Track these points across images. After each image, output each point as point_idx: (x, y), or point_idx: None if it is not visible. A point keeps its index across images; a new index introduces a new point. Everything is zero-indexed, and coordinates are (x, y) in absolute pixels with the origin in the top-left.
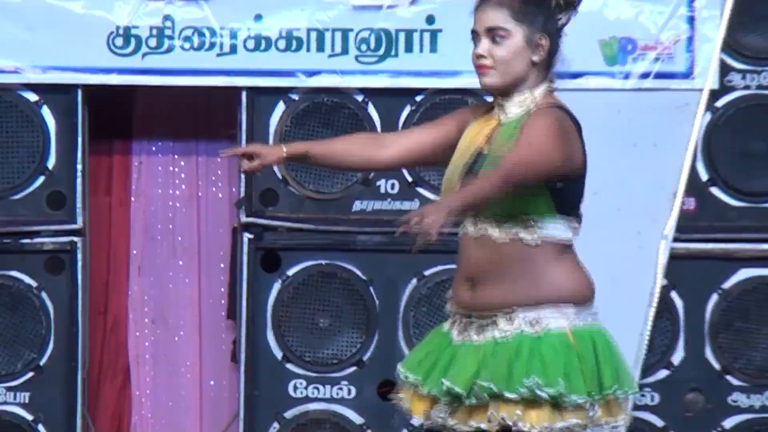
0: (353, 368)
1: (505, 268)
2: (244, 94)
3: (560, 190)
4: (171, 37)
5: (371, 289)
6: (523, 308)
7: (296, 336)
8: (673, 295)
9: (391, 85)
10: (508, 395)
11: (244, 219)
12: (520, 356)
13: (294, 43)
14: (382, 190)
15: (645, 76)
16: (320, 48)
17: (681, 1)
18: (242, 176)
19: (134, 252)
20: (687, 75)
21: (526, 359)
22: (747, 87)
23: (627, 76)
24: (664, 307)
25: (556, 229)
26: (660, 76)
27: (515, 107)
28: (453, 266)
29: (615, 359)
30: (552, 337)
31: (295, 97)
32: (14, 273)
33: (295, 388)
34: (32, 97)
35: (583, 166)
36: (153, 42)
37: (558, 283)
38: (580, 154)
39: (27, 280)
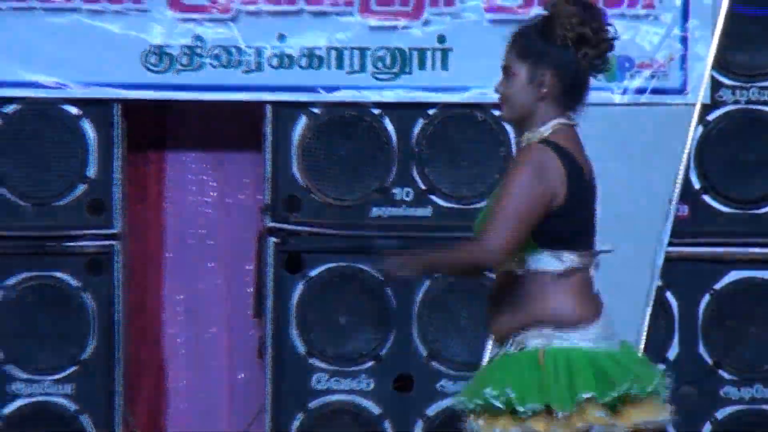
0: (371, 362)
1: (506, 297)
2: (268, 109)
3: (540, 228)
4: (201, 56)
5: (387, 289)
6: (515, 333)
7: (318, 333)
8: (668, 295)
9: (405, 99)
10: (470, 406)
11: (269, 224)
12: (488, 370)
13: (315, 61)
14: (398, 198)
15: (641, 91)
16: (339, 65)
17: (675, 22)
18: (267, 185)
19: (168, 255)
20: (680, 91)
21: (488, 373)
22: (737, 102)
23: (625, 92)
24: (660, 306)
25: (540, 261)
26: (655, 91)
27: (525, 141)
28: None
29: (596, 372)
30: (522, 354)
31: (316, 111)
32: (58, 274)
33: (318, 381)
34: (74, 110)
35: (568, 197)
36: (185, 60)
37: (541, 308)
38: (562, 186)
39: (70, 280)
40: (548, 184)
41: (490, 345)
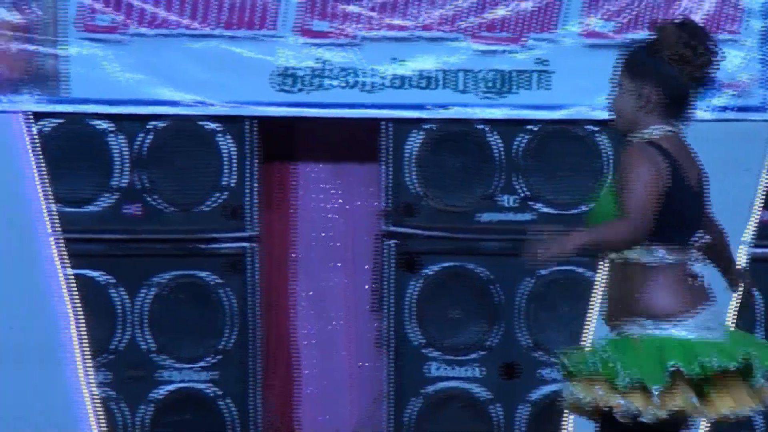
0: (480, 352)
1: (612, 287)
2: (386, 125)
3: None
4: (326, 77)
5: (493, 287)
6: (617, 322)
7: (432, 326)
8: (754, 292)
9: (509, 116)
10: (570, 369)
11: (387, 228)
12: (593, 347)
13: (427, 81)
14: (502, 204)
15: (725, 109)
16: (449, 86)
17: (756, 46)
18: (384, 193)
19: (297, 256)
20: (761, 108)
21: (593, 347)
22: None
23: (711, 109)
24: (746, 302)
25: (634, 253)
26: (738, 109)
27: (630, 143)
28: (562, 267)
29: (686, 351)
30: (623, 340)
31: (429, 126)
32: (200, 273)
33: (432, 369)
34: (213, 126)
35: (669, 193)
36: (311, 81)
37: (638, 300)
38: (668, 179)
39: (211, 278)
40: (659, 169)
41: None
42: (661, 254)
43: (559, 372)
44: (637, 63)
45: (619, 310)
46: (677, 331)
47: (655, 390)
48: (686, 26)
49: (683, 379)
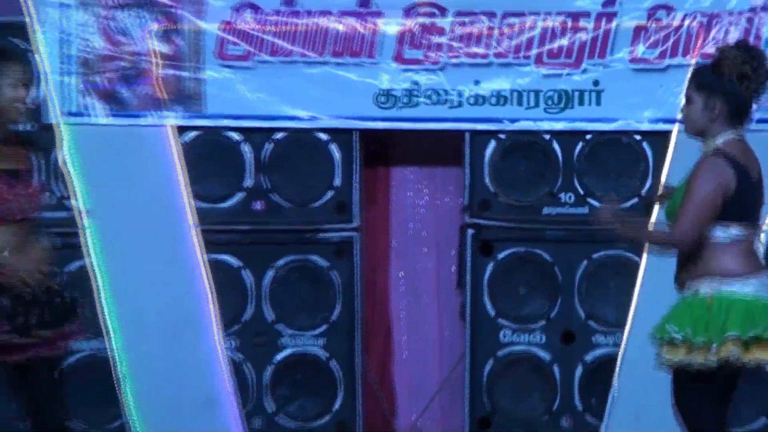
0: (543, 322)
1: (688, 258)
2: (467, 135)
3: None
4: (417, 96)
5: (555, 268)
6: (691, 281)
7: (504, 300)
8: None
9: (568, 128)
10: (657, 340)
11: (467, 220)
12: (671, 312)
13: (501, 99)
14: (563, 200)
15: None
16: (519, 103)
17: None
18: (466, 191)
19: (393, 243)
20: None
21: (672, 313)
22: None
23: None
24: None
25: (712, 231)
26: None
27: (705, 152)
28: (611, 252)
29: (748, 315)
30: (696, 298)
31: (503, 137)
32: (314, 257)
33: (504, 336)
34: (324, 137)
35: (737, 189)
36: (405, 99)
37: (711, 265)
38: (732, 182)
39: (322, 262)
40: (720, 183)
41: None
42: (733, 232)
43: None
44: (705, 80)
45: (695, 273)
46: (742, 288)
47: (714, 348)
48: (744, 48)
49: (735, 340)
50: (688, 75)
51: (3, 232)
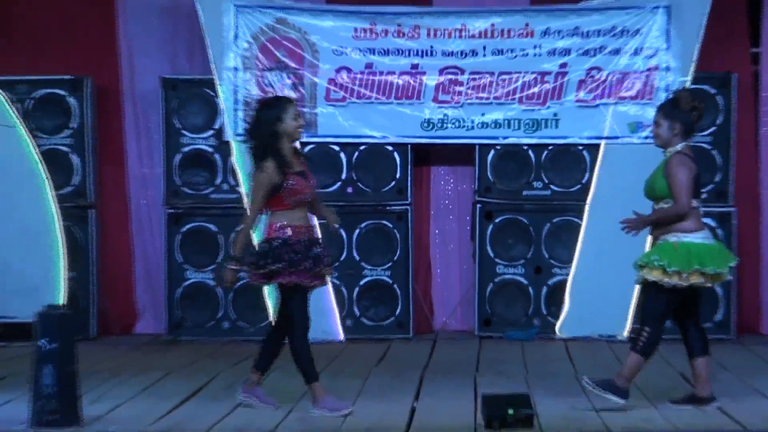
0: (522, 260)
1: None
2: (477, 147)
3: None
4: (446, 123)
5: (530, 228)
6: (662, 235)
7: (499, 247)
8: None
9: (538, 142)
10: (640, 264)
11: (477, 198)
12: (649, 252)
13: (498, 125)
14: (535, 186)
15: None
16: (508, 127)
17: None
18: (477, 181)
19: (432, 212)
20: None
21: (650, 252)
22: None
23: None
24: None
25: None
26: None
27: (669, 154)
28: (565, 218)
29: (706, 253)
30: (666, 244)
31: (498, 147)
32: (383, 221)
33: (498, 269)
34: (389, 148)
35: (695, 175)
36: (439, 125)
37: (675, 225)
38: (694, 170)
39: (389, 224)
40: (691, 170)
41: (648, 243)
42: (693, 203)
43: (638, 264)
44: (669, 110)
45: (666, 231)
46: (696, 239)
47: (684, 275)
48: (691, 91)
49: (697, 270)
50: (656, 107)
51: (301, 210)
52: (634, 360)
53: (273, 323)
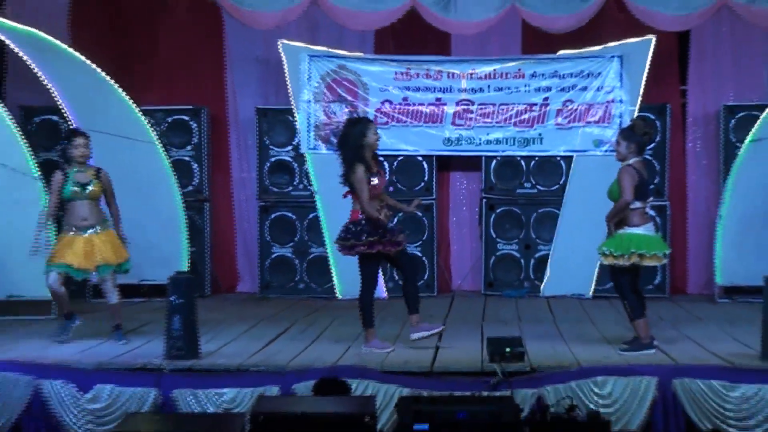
0: (516, 240)
1: (617, 220)
2: (483, 157)
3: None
4: (461, 140)
5: (522, 216)
6: (616, 230)
7: (499, 230)
8: None
9: (528, 154)
10: (599, 253)
11: (483, 195)
12: (605, 242)
13: (498, 142)
14: (526, 186)
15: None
16: (506, 143)
17: (616, 129)
18: (483, 183)
19: (450, 205)
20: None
21: (606, 242)
22: None
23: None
24: None
25: (633, 204)
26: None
27: (623, 165)
28: (547, 209)
29: (643, 241)
30: (617, 235)
31: (498, 158)
32: (415, 212)
33: (499, 246)
34: (420, 158)
35: (639, 182)
36: (456, 142)
37: (626, 220)
38: (637, 181)
39: (419, 214)
40: (634, 177)
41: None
42: (638, 203)
43: (598, 252)
44: (628, 134)
45: (619, 225)
46: (639, 231)
47: (625, 258)
48: (643, 119)
49: (637, 254)
50: (618, 132)
51: (375, 200)
52: (638, 324)
53: (401, 280)
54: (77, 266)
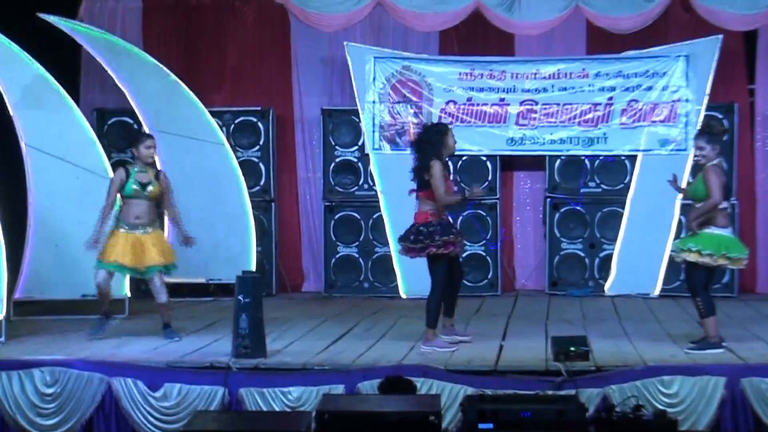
0: (581, 239)
1: (694, 219)
2: (547, 157)
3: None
4: (525, 140)
5: (586, 216)
6: (700, 228)
7: (563, 229)
8: None
9: (591, 154)
10: (676, 249)
11: (547, 194)
12: (684, 239)
13: (562, 141)
14: (591, 186)
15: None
16: (570, 142)
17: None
18: (547, 183)
19: (514, 204)
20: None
21: (686, 239)
22: None
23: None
24: None
25: (722, 205)
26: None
27: (708, 166)
28: (609, 208)
29: (732, 244)
30: (703, 234)
31: (563, 157)
32: (480, 211)
33: (563, 245)
34: (484, 158)
35: (727, 184)
36: (520, 141)
37: (710, 221)
38: (724, 178)
39: (483, 213)
40: (722, 177)
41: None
42: (725, 204)
43: (679, 248)
44: (710, 136)
45: (704, 224)
46: (725, 232)
47: (716, 256)
48: (716, 119)
49: (724, 255)
50: (696, 134)
51: (432, 200)
52: (708, 322)
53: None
54: (126, 265)
